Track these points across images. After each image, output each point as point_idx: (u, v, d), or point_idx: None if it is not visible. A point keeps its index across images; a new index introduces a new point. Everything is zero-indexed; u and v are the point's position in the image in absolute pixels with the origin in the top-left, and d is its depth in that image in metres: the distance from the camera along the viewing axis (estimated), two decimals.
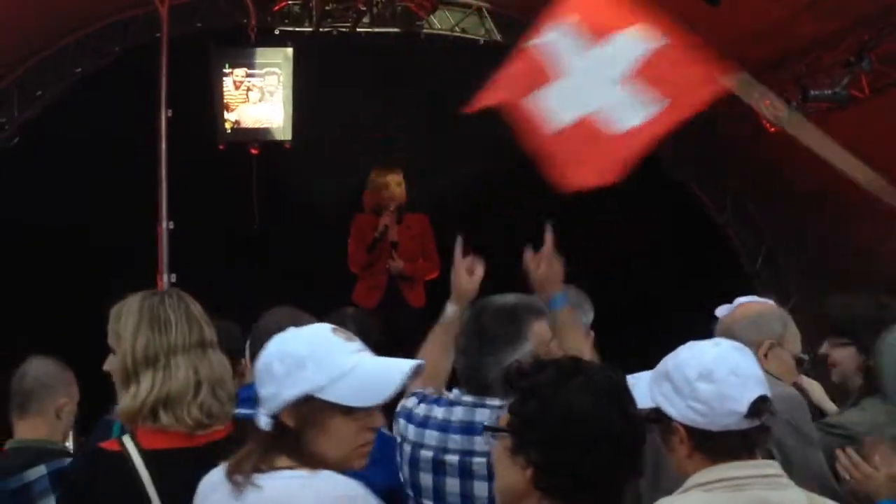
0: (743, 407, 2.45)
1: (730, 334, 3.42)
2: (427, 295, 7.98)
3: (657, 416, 2.52)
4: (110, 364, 2.82)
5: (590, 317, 4.27)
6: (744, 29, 6.82)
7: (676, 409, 2.49)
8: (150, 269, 6.30)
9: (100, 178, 8.22)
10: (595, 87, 4.16)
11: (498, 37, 8.82)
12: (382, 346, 5.17)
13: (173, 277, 6.26)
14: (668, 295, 8.65)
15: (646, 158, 4.34)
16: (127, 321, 2.81)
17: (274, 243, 9.17)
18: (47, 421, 3.68)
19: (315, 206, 8.97)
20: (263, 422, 2.33)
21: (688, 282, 8.26)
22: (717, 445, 2.47)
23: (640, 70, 4.12)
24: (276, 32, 8.53)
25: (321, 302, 4.53)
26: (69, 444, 3.89)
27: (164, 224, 6.34)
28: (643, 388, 2.53)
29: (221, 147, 8.48)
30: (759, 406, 2.47)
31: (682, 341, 2.62)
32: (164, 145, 6.46)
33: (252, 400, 2.42)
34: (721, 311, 3.85)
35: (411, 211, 7.94)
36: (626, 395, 2.20)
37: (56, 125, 7.96)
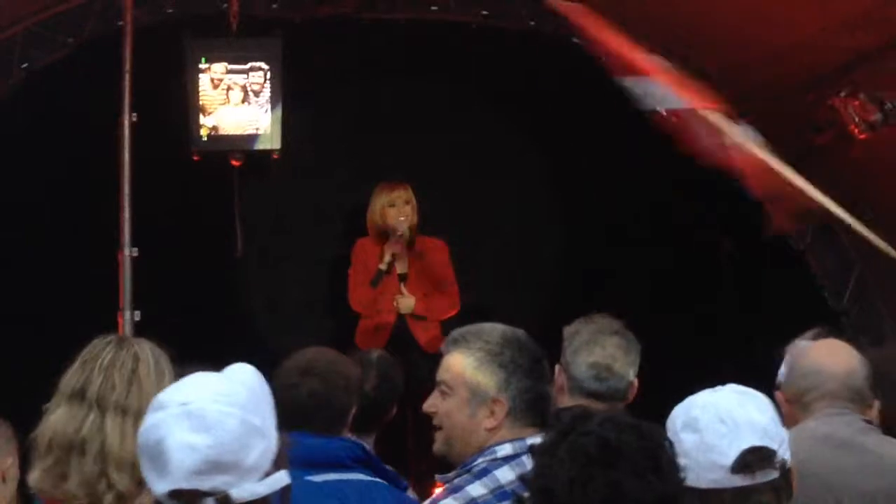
0: (728, 459, 2.47)
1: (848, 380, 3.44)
2: (444, 338, 8.00)
3: None
4: None
5: (635, 363, 4.33)
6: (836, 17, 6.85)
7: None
8: (110, 305, 6.34)
9: (51, 194, 8.28)
10: None
11: (531, 22, 8.87)
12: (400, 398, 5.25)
13: (137, 315, 6.29)
14: (733, 335, 8.64)
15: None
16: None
17: (259, 274, 9.20)
18: None
19: (309, 230, 9.01)
20: (265, 487, 2.39)
21: (758, 320, 8.26)
22: (720, 501, 2.49)
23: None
24: (263, 20, 8.59)
25: (315, 345, 4.57)
26: None
27: (127, 251, 6.38)
28: None
29: (196, 158, 8.53)
30: (750, 459, 2.48)
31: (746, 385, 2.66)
32: (127, 156, 6.51)
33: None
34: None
35: (425, 234, 7.98)
36: (621, 460, 2.24)
37: None
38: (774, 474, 2.50)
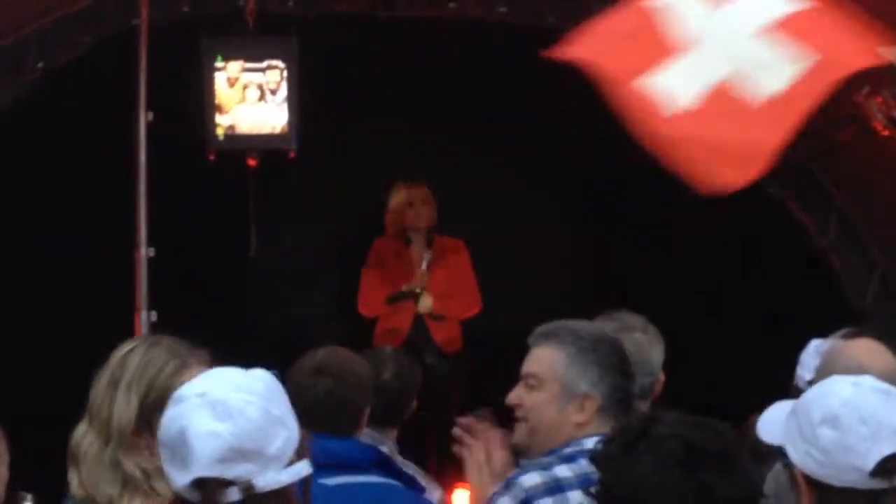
0: (868, 464, 2.46)
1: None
2: (464, 337, 8.00)
3: (784, 456, 2.57)
4: None
5: (660, 358, 4.33)
6: None
7: (797, 454, 2.54)
8: (126, 306, 6.35)
9: (67, 195, 8.31)
10: (727, 47, 4.09)
11: (552, 19, 8.85)
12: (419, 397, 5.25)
13: (153, 316, 6.30)
14: (754, 333, 8.62)
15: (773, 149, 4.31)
16: None
17: (275, 274, 9.22)
18: None
19: (325, 229, 9.03)
20: (288, 476, 2.40)
21: (779, 320, 8.23)
22: (838, 503, 2.49)
23: (787, 22, 4.06)
24: (280, 18, 8.60)
25: (333, 345, 4.58)
26: None
27: (143, 251, 6.39)
28: (778, 417, 2.58)
29: (212, 157, 8.53)
30: (891, 466, 2.47)
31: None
32: (143, 155, 6.52)
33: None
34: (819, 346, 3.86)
35: (444, 233, 7.98)
36: (707, 460, 2.23)
37: (14, 131, 8.06)
38: None
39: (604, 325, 4.37)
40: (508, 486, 3.45)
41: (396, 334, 7.74)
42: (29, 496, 3.97)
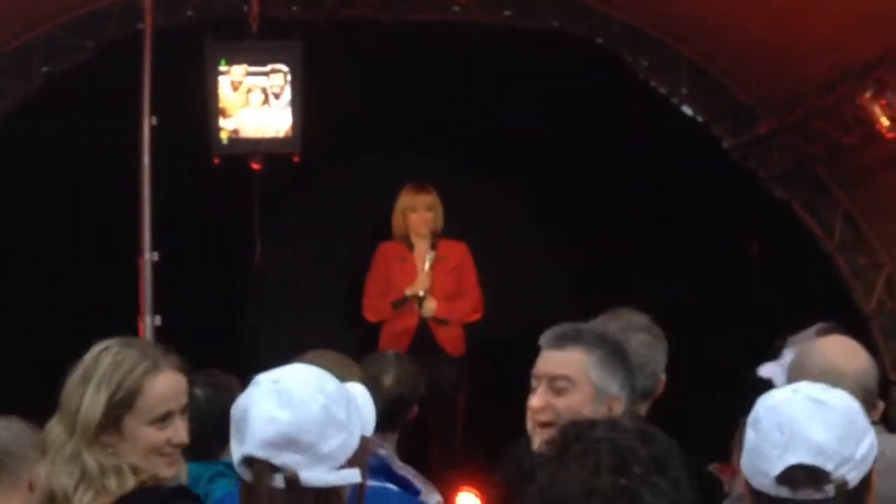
0: (775, 470, 2.45)
1: (861, 380, 3.44)
2: (467, 341, 8.02)
3: None
4: None
5: (663, 359, 4.35)
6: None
7: (742, 447, 2.58)
8: (130, 310, 6.38)
9: (70, 199, 8.33)
10: None
11: (555, 22, 8.88)
12: (422, 401, 5.26)
13: (158, 320, 6.33)
14: (760, 337, 8.62)
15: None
16: None
17: (280, 278, 9.25)
18: (18, 495, 3.75)
19: (329, 233, 9.05)
20: (335, 478, 2.47)
21: (784, 321, 8.24)
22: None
23: None
24: (284, 22, 8.63)
25: (338, 350, 4.60)
26: None
27: (147, 255, 6.41)
28: None
29: (216, 161, 8.56)
30: (796, 477, 2.45)
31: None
32: (147, 159, 6.54)
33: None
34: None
35: (448, 237, 7.99)
36: (635, 467, 2.23)
37: (18, 135, 8.09)
38: (823, 494, 2.45)
39: (608, 324, 4.39)
40: None
41: (401, 338, 7.75)
42: None
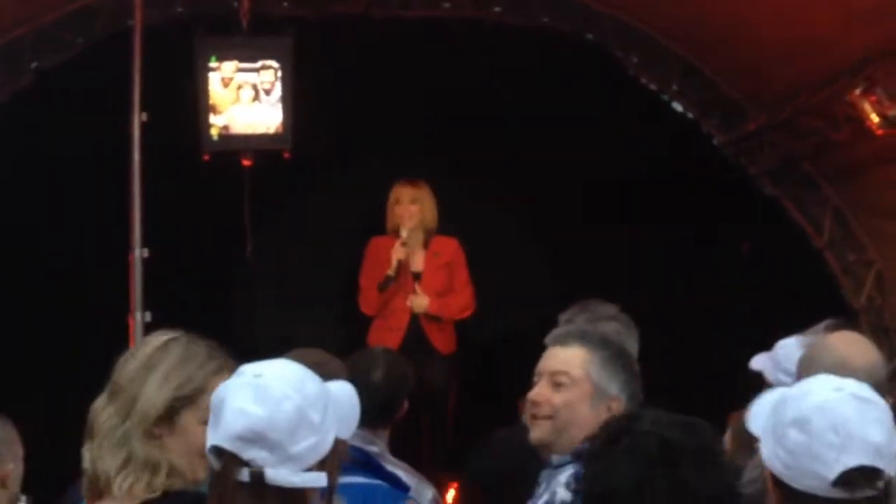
0: (832, 473, 2.42)
1: (874, 375, 3.40)
2: (458, 338, 8.02)
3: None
4: None
5: (635, 347, 4.39)
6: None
7: (766, 450, 2.50)
8: (120, 307, 6.37)
9: (60, 195, 8.32)
10: None
11: (546, 19, 8.88)
12: (413, 398, 5.27)
13: (148, 316, 6.32)
14: (751, 332, 8.63)
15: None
16: None
17: (270, 275, 9.24)
18: None
19: (320, 230, 9.04)
20: (300, 479, 2.47)
21: (773, 318, 8.25)
22: None
23: None
24: (275, 19, 8.62)
25: (329, 347, 4.60)
26: None
27: (138, 251, 6.41)
28: (765, 410, 2.55)
29: (207, 157, 8.56)
30: (854, 478, 2.43)
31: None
32: (137, 156, 6.54)
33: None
34: (787, 343, 3.89)
35: (441, 233, 8.00)
36: (683, 458, 2.26)
37: (7, 131, 8.08)
38: (874, 491, 2.45)
39: (577, 314, 4.43)
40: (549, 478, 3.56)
41: (392, 334, 7.75)
42: (24, 497, 4.00)
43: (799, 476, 2.45)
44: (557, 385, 3.65)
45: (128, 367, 3.03)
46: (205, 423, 2.97)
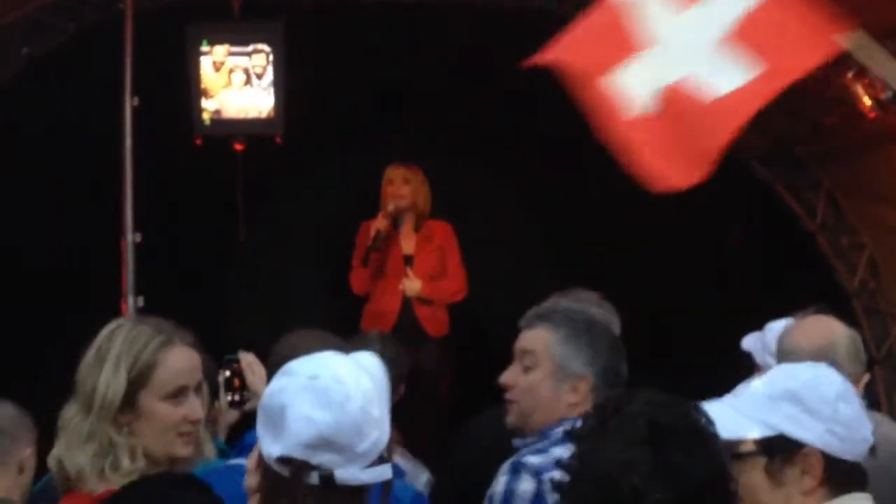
0: (870, 435, 2.62)
1: (822, 358, 3.47)
2: (451, 322, 8.03)
3: (770, 445, 2.61)
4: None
5: (617, 332, 4.39)
6: None
7: (813, 433, 2.59)
8: (113, 292, 6.37)
9: (52, 180, 8.31)
10: (686, 52, 4.29)
11: (541, 2, 8.86)
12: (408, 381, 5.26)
13: (140, 301, 6.33)
14: (744, 317, 8.65)
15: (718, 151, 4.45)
16: None
17: (263, 259, 9.24)
18: (9, 475, 3.77)
19: (312, 214, 9.04)
20: (369, 476, 2.47)
21: (766, 302, 8.27)
22: (847, 477, 2.59)
23: (742, 29, 4.24)
24: (266, 3, 8.60)
25: (323, 331, 4.60)
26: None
27: (130, 236, 6.41)
28: (728, 414, 2.60)
29: (198, 142, 8.55)
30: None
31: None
32: (129, 141, 6.54)
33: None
34: (775, 326, 3.92)
35: (433, 217, 8.00)
36: (673, 439, 2.26)
37: None
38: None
39: (557, 303, 4.42)
40: (517, 469, 3.49)
41: (384, 317, 7.76)
42: None
43: (853, 447, 2.60)
44: (525, 367, 3.64)
45: (83, 364, 3.06)
46: (165, 398, 3.01)
